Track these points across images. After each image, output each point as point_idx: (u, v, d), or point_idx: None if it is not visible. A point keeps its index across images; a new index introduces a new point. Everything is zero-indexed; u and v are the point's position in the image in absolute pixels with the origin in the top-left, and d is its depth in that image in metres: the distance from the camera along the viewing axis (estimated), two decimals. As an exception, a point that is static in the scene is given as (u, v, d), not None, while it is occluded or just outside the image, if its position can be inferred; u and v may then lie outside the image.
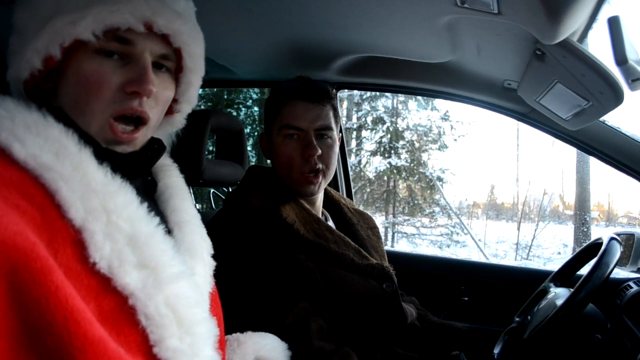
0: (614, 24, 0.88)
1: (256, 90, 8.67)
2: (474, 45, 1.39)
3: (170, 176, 0.92)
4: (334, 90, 1.34)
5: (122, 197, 0.67)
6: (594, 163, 9.86)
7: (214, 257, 0.91)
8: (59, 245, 0.58)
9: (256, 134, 8.81)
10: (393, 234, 11.12)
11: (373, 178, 11.42)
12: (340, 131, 1.45)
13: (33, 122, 0.64)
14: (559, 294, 1.31)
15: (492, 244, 11.91)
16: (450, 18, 1.20)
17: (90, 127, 0.72)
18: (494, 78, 1.60)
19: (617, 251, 1.18)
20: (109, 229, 0.63)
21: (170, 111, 0.88)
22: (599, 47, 1.13)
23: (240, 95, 9.22)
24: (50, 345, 0.52)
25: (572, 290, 1.16)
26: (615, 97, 1.09)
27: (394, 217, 11.21)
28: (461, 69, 1.63)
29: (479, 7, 1.04)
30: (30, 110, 0.65)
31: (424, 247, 10.93)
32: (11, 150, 0.59)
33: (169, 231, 0.80)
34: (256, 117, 9.26)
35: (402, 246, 10.93)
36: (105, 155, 0.71)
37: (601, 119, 1.46)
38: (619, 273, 1.70)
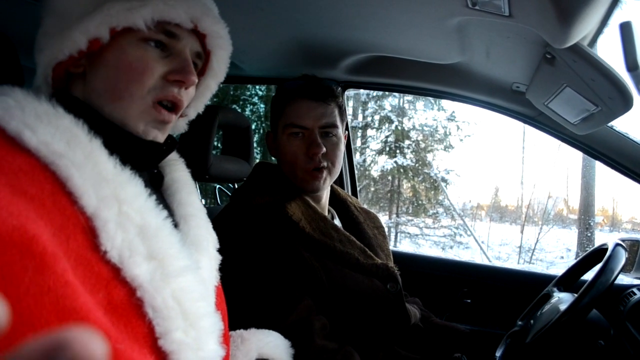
0: (625, 30, 0.87)
1: (262, 86, 8.67)
2: (484, 47, 1.39)
3: (177, 170, 0.93)
4: (339, 89, 1.34)
5: (132, 187, 0.68)
6: (600, 167, 9.83)
7: (219, 253, 0.91)
8: (70, 232, 0.58)
9: (261, 130, 8.81)
10: (396, 233, 11.11)
11: (377, 177, 11.41)
12: (347, 129, 1.45)
13: (43, 112, 0.64)
14: (562, 299, 1.30)
15: (495, 247, 11.88)
16: (460, 19, 1.20)
17: (128, 112, 0.75)
18: (503, 80, 1.60)
19: (623, 257, 1.18)
20: (120, 218, 0.63)
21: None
22: (607, 51, 1.12)
23: (246, 92, 9.22)
24: None
25: (576, 295, 1.15)
26: (624, 103, 1.08)
27: (397, 216, 11.20)
28: (470, 71, 1.63)
29: (490, 10, 1.04)
30: (39, 100, 0.65)
31: (427, 248, 10.91)
32: (22, 137, 0.59)
33: (175, 224, 0.80)
34: (262, 113, 9.25)
35: (405, 246, 10.92)
36: (114, 147, 0.71)
37: (609, 124, 1.45)
38: (623, 279, 1.70)
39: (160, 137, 0.81)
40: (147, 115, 0.76)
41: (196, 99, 0.91)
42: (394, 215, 11.22)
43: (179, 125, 0.94)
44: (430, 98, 10.23)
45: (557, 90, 1.25)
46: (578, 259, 1.51)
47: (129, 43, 0.75)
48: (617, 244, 1.23)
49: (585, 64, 1.06)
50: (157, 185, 0.87)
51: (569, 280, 1.50)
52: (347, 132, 1.44)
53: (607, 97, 1.11)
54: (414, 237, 11.17)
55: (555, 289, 1.46)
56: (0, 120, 0.59)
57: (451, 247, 10.90)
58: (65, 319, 0.53)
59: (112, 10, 0.72)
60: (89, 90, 0.76)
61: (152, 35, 0.76)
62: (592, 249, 1.44)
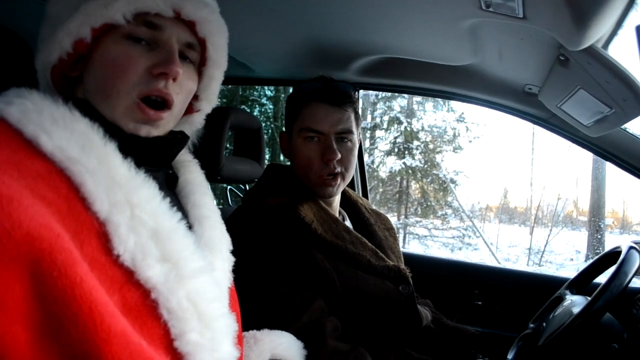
0: (642, 32, 0.87)
1: (271, 87, 8.69)
2: (496, 48, 1.38)
3: (191, 172, 0.93)
4: (356, 93, 1.33)
5: (145, 191, 0.68)
6: (610, 169, 9.76)
7: (232, 254, 0.91)
8: (84, 237, 0.59)
9: (270, 131, 8.84)
10: (405, 235, 11.08)
11: (386, 178, 11.40)
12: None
13: (60, 115, 0.65)
14: (575, 302, 1.29)
15: (504, 248, 11.83)
16: (473, 21, 1.19)
17: (116, 109, 0.74)
18: (515, 82, 1.59)
19: (637, 260, 1.16)
20: (132, 222, 0.64)
21: (190, 110, 0.89)
22: (620, 52, 1.12)
23: (255, 92, 9.25)
24: (76, 336, 0.52)
25: (589, 298, 1.14)
26: (638, 105, 1.08)
27: (406, 218, 11.18)
28: (482, 72, 1.62)
29: (504, 12, 1.04)
30: (56, 104, 0.66)
31: (435, 249, 10.88)
32: (38, 142, 0.60)
33: (189, 226, 0.81)
34: (270, 114, 9.29)
35: (414, 247, 10.89)
36: (129, 148, 0.72)
37: (622, 126, 1.44)
38: (636, 282, 1.68)
39: (154, 132, 0.78)
40: (133, 113, 0.74)
41: (203, 90, 0.88)
42: (403, 217, 11.20)
43: (194, 119, 0.92)
44: (439, 99, 10.21)
45: (571, 92, 1.25)
46: (591, 261, 1.50)
47: (113, 41, 0.74)
48: (631, 247, 1.21)
49: (600, 66, 1.05)
50: (171, 186, 0.87)
51: (582, 283, 1.48)
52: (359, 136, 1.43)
53: (621, 99, 1.10)
54: (423, 239, 11.15)
55: (567, 292, 1.45)
56: (18, 123, 0.61)
57: (460, 249, 10.87)
58: (97, 310, 0.54)
59: (89, 8, 0.71)
60: (87, 92, 0.76)
61: (134, 29, 0.74)
62: (604, 251, 1.43)
